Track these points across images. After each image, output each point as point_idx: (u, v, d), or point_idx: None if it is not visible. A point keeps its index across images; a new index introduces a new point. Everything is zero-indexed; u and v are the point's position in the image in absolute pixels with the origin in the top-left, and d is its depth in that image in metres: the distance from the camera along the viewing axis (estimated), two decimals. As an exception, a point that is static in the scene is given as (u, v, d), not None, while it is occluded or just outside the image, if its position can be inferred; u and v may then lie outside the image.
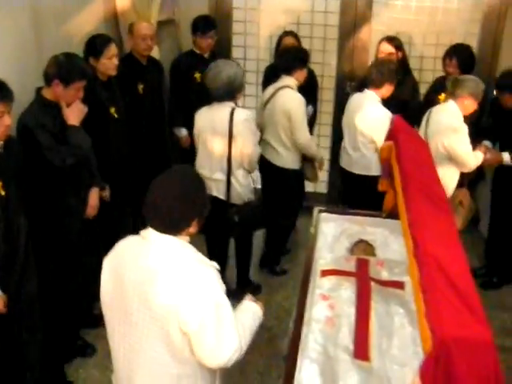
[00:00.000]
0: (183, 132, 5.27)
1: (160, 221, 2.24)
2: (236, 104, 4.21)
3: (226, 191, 4.27)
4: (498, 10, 5.42)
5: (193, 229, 2.32)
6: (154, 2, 5.21)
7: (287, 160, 4.79)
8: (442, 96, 5.02)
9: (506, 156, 4.53)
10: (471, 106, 4.36)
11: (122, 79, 4.36)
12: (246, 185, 4.35)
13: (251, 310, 2.52)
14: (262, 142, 4.73)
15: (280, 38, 5.32)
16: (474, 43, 5.50)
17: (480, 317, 1.86)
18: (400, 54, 5.14)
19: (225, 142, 4.14)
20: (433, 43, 5.66)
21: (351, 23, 5.68)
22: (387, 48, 5.10)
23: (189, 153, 5.31)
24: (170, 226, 2.25)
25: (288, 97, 4.59)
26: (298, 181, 5.05)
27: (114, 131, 4.19)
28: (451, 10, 5.60)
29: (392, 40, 5.14)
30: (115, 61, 4.13)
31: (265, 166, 4.84)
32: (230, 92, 4.10)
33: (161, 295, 2.16)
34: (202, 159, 4.29)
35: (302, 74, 4.72)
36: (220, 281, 2.27)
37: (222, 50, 5.57)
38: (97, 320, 4.30)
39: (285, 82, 4.66)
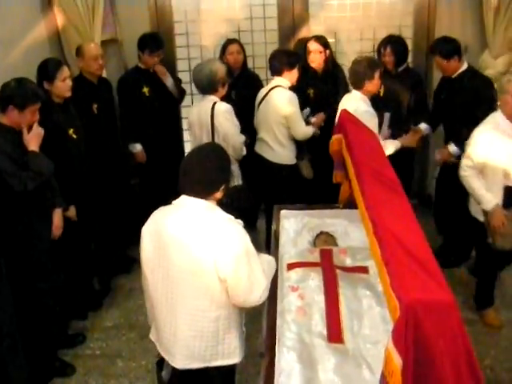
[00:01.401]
0: (137, 147, 5.31)
1: (194, 186, 2.63)
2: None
3: None
4: (428, 1, 5.64)
5: (219, 194, 2.71)
6: (96, 23, 5.25)
7: (282, 156, 5.02)
8: (382, 89, 5.21)
9: (452, 148, 4.74)
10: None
11: (76, 101, 4.39)
12: (232, 170, 4.55)
13: (266, 260, 2.97)
14: (258, 140, 5.04)
15: (224, 47, 5.39)
16: (408, 34, 5.72)
17: (441, 282, 1.97)
18: (328, 51, 5.33)
19: (208, 132, 4.49)
20: (370, 38, 5.84)
21: (290, 26, 5.81)
22: (316, 47, 5.28)
23: (144, 167, 5.38)
24: (202, 190, 2.64)
25: (281, 95, 4.81)
26: (294, 176, 5.16)
27: (74, 151, 4.23)
28: (384, 5, 5.79)
29: (319, 38, 5.33)
30: (69, 82, 4.17)
31: (261, 163, 5.06)
32: (213, 84, 4.46)
33: (199, 250, 2.56)
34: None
35: (291, 75, 4.91)
36: (246, 232, 2.66)
37: (167, 63, 5.62)
38: (73, 340, 4.35)
39: (277, 82, 4.90)
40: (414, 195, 5.73)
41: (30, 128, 3.63)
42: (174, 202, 2.72)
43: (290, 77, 4.89)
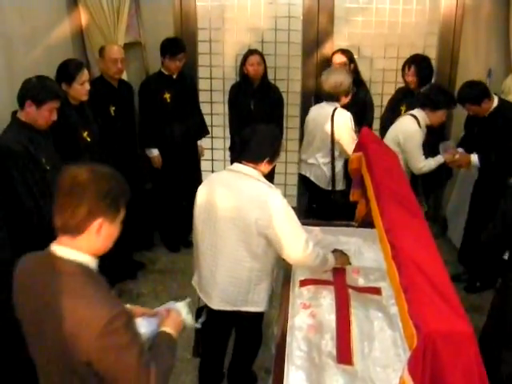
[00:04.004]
0: (154, 152, 5.30)
1: (246, 152, 3.16)
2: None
3: (320, 174, 5.00)
4: (454, 22, 5.62)
5: (264, 168, 3.21)
6: (120, 25, 5.28)
7: None
8: (404, 107, 5.18)
9: (474, 157, 4.68)
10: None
11: (94, 102, 4.37)
12: (337, 172, 4.96)
13: (328, 255, 3.41)
14: None
15: (245, 57, 5.35)
16: (432, 55, 5.68)
17: (460, 312, 1.95)
18: (352, 65, 5.35)
19: (322, 133, 4.80)
20: (393, 56, 5.82)
21: (314, 40, 5.80)
22: (341, 58, 5.32)
23: (161, 172, 5.37)
24: (249, 158, 3.16)
25: (403, 125, 4.70)
26: None
27: (87, 154, 4.18)
28: (410, 24, 5.77)
29: (345, 52, 5.38)
30: (87, 86, 4.13)
31: None
32: (336, 94, 4.76)
33: (243, 208, 3.05)
34: (304, 146, 5.13)
35: (434, 116, 4.65)
36: (283, 197, 3.12)
37: (188, 69, 5.62)
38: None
39: (414, 112, 4.71)
40: (429, 218, 5.68)
41: (50, 127, 3.64)
42: (228, 167, 3.31)
43: (432, 117, 4.66)
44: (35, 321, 1.95)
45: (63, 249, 1.91)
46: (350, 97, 4.84)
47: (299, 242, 3.11)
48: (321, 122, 4.80)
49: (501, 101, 4.70)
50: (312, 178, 5.05)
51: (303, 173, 5.15)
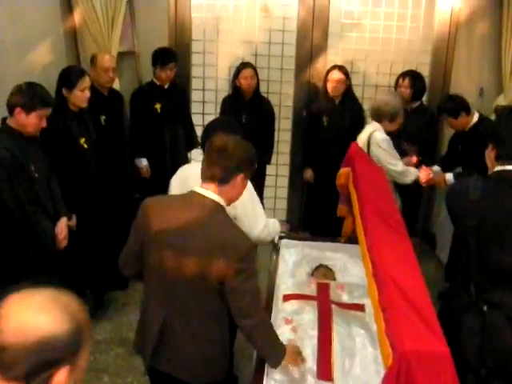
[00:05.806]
0: (143, 162, 5.29)
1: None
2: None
3: None
4: (447, 40, 5.64)
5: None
6: (114, 34, 5.29)
7: None
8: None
9: (449, 176, 4.67)
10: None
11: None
12: None
13: (271, 221, 3.42)
14: None
15: (238, 70, 5.36)
16: (425, 72, 5.70)
17: (437, 332, 1.94)
18: (348, 81, 5.38)
19: None
20: (386, 72, 5.84)
21: (307, 54, 5.81)
22: (339, 75, 5.31)
23: (149, 183, 5.35)
24: None
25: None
26: None
27: (83, 161, 4.21)
28: (403, 41, 5.79)
29: (342, 67, 5.38)
30: (87, 93, 4.14)
31: None
32: (377, 114, 4.62)
33: None
34: None
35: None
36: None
37: (181, 81, 5.63)
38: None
39: None
40: (418, 233, 5.70)
41: (46, 132, 3.67)
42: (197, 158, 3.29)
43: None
44: (180, 245, 2.42)
45: (210, 193, 2.47)
46: (396, 126, 4.64)
47: (260, 223, 3.25)
48: (359, 143, 4.65)
49: (481, 117, 4.75)
50: None
51: None
